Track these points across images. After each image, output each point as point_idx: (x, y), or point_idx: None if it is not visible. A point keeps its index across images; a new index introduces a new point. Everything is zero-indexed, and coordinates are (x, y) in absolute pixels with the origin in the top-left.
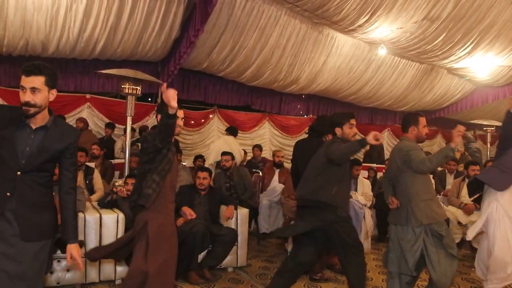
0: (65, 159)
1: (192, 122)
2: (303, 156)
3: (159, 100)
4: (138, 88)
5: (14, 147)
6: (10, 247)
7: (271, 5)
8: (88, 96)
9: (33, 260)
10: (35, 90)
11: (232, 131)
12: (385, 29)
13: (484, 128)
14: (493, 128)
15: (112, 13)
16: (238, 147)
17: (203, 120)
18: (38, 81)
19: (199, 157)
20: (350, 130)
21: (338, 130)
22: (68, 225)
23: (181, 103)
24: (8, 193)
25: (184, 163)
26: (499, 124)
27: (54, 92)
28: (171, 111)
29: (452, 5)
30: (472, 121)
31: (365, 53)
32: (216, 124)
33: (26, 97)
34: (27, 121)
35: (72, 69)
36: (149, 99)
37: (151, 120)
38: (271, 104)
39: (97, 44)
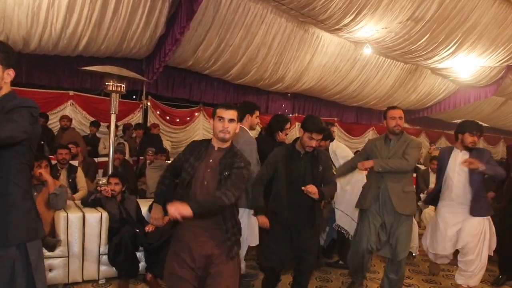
0: None
1: (177, 120)
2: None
3: (143, 97)
4: (123, 85)
5: None
6: None
7: (257, 3)
8: (71, 93)
9: None
10: None
11: None
12: (370, 29)
13: None
14: None
15: (96, 9)
16: None
17: (188, 118)
18: None
19: None
20: None
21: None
22: None
23: (166, 100)
24: None
25: (169, 162)
26: (482, 124)
27: (10, 72)
28: None
29: (436, 6)
30: (454, 121)
31: (350, 53)
32: (201, 122)
33: None
34: None
35: (55, 66)
36: (134, 96)
37: (135, 118)
38: (257, 103)
39: (81, 40)
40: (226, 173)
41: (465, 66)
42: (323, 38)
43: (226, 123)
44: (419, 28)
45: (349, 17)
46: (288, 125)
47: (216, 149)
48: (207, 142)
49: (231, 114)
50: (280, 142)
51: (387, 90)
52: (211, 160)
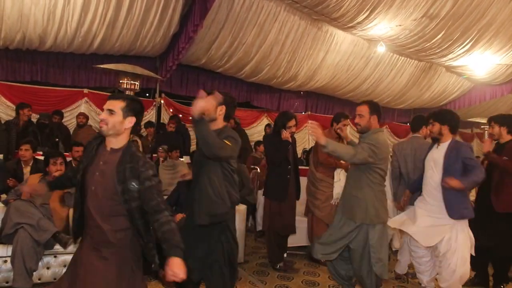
0: None
1: (190, 118)
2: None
3: (156, 95)
4: (137, 83)
5: None
6: None
7: (271, 1)
8: (85, 91)
9: None
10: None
11: None
12: (384, 26)
13: (482, 126)
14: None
15: (111, 8)
16: None
17: None
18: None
19: None
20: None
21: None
22: None
23: (179, 98)
24: None
25: (182, 159)
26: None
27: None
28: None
29: (451, 3)
30: (469, 119)
31: (364, 50)
32: None
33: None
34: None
35: (70, 64)
36: (147, 94)
37: (148, 116)
38: (270, 101)
39: (95, 38)
40: (133, 184)
41: (480, 63)
42: (336, 36)
43: (103, 114)
44: (433, 25)
45: (363, 14)
46: (291, 123)
47: (108, 149)
48: (100, 140)
49: (111, 104)
50: (284, 140)
51: (400, 88)
52: (101, 163)
